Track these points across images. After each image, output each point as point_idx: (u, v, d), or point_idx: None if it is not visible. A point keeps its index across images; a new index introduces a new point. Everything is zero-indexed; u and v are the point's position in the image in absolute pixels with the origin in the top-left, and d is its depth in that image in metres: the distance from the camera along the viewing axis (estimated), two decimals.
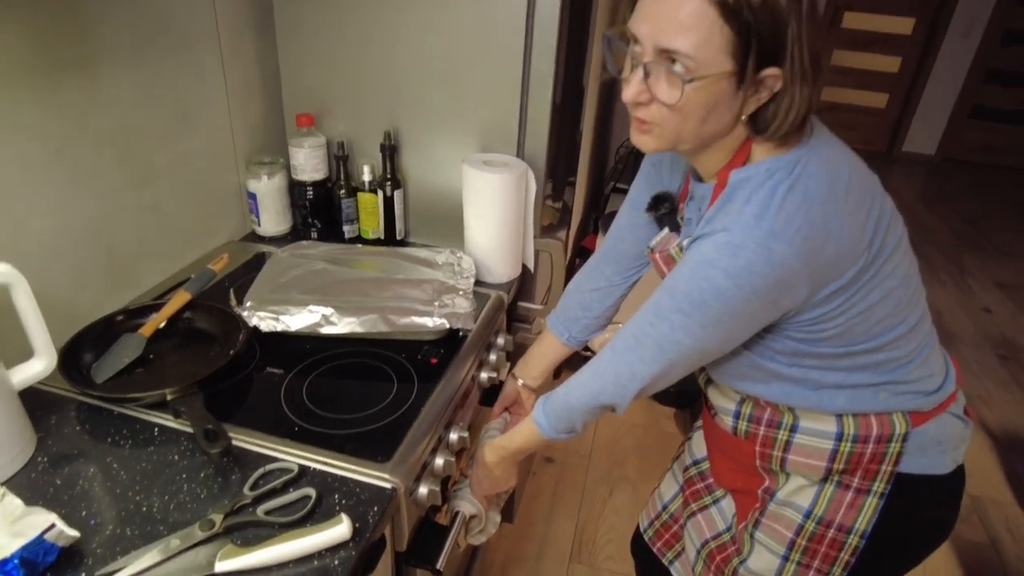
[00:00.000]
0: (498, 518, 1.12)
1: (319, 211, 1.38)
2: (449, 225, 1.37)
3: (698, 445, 1.09)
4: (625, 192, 1.05)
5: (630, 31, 0.70)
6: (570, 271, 1.52)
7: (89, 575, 0.67)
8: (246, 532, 0.74)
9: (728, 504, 1.00)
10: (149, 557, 0.69)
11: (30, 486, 0.78)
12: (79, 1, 0.94)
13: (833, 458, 0.84)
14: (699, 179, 0.82)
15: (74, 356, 0.93)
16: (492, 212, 1.23)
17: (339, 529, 0.71)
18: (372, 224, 1.37)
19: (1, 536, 0.65)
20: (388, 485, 0.81)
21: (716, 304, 0.71)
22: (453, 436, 0.99)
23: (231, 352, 0.95)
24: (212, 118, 1.25)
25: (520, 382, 1.16)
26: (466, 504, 1.03)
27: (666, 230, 0.88)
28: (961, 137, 5.23)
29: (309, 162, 1.33)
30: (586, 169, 1.80)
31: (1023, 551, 1.95)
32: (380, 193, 1.33)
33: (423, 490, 0.89)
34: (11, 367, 0.82)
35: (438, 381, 1.00)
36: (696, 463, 1.08)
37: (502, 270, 1.29)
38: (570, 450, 2.20)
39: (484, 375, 1.15)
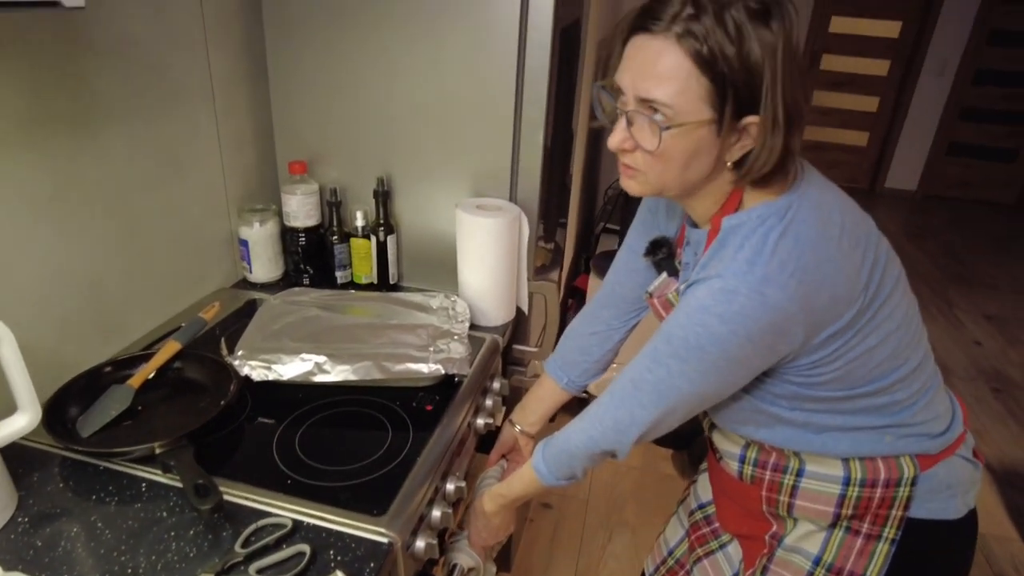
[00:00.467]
0: (494, 568, 1.09)
1: (311, 257, 1.37)
2: (443, 269, 1.37)
3: (703, 489, 1.07)
4: (614, 232, 1.06)
5: (616, 82, 0.73)
6: (563, 312, 1.52)
7: None
8: None
9: (735, 550, 0.98)
10: None
11: (9, 548, 0.74)
12: (74, 55, 0.95)
13: (841, 503, 0.83)
14: (694, 224, 0.83)
15: (59, 410, 0.90)
16: (486, 256, 1.23)
17: None
18: (365, 269, 1.37)
19: None
20: (384, 539, 0.78)
21: (712, 349, 0.71)
22: (450, 486, 0.96)
23: (222, 403, 0.93)
24: (204, 167, 1.25)
25: (518, 428, 1.14)
26: (464, 556, 1.00)
27: (664, 275, 0.88)
28: (940, 173, 5.35)
29: (302, 209, 1.33)
30: (576, 210, 1.82)
31: None
32: (373, 238, 1.33)
33: (420, 543, 0.86)
34: None
35: (434, 429, 0.98)
36: (702, 507, 1.06)
37: (496, 313, 1.29)
38: (568, 495, 2.16)
39: (480, 421, 1.13)
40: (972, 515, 0.86)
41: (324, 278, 1.39)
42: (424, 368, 1.03)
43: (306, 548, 0.75)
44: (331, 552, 0.76)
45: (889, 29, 5.02)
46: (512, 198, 1.29)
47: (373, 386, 1.04)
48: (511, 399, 1.25)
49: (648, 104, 0.69)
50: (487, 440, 1.17)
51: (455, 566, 0.99)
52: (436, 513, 0.91)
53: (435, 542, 0.88)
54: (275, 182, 1.42)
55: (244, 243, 1.34)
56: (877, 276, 0.74)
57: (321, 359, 1.02)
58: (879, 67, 5.14)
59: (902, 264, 0.79)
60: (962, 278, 4.03)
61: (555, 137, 1.32)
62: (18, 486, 0.82)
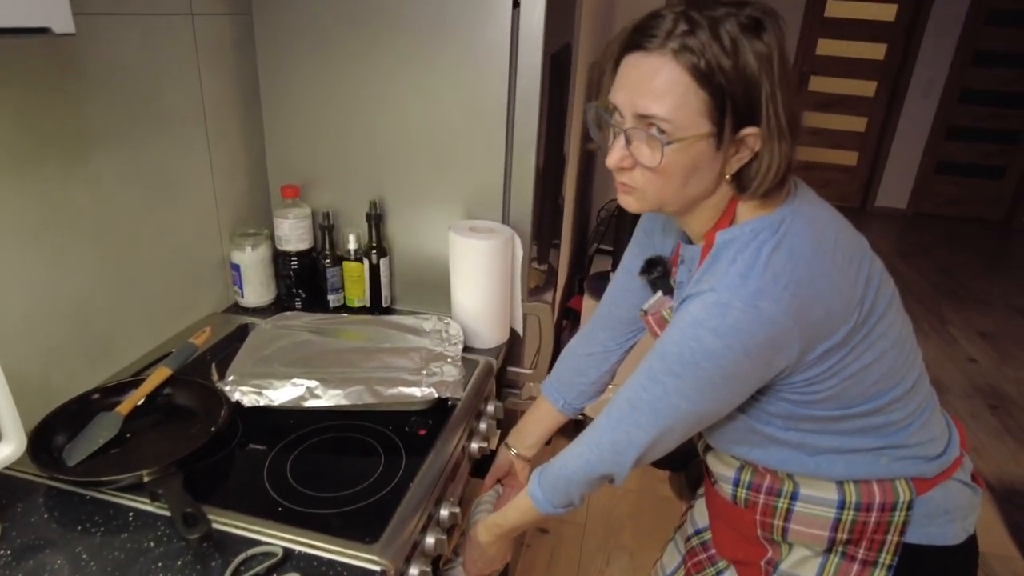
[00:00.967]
0: None
1: (304, 281, 1.37)
2: (436, 292, 1.36)
3: (700, 514, 1.05)
4: (608, 253, 1.06)
5: (611, 102, 0.73)
6: (558, 333, 1.51)
7: None
8: None
9: None
10: None
11: None
12: (65, 81, 0.95)
13: (836, 527, 0.82)
14: (689, 241, 0.83)
15: (45, 438, 0.89)
16: (479, 277, 1.22)
17: None
18: (357, 292, 1.36)
19: None
20: (377, 568, 0.77)
21: (707, 365, 0.70)
22: (444, 512, 0.95)
23: (212, 429, 0.91)
24: (196, 192, 1.25)
25: (514, 452, 1.13)
26: None
27: (659, 293, 0.88)
28: (930, 191, 5.41)
29: (294, 232, 1.32)
30: (570, 231, 1.83)
31: None
32: (366, 261, 1.33)
33: (414, 571, 0.84)
34: None
35: (427, 454, 0.97)
36: (698, 533, 1.04)
37: (490, 335, 1.28)
38: (565, 520, 2.13)
39: (475, 445, 1.12)
40: (972, 541, 0.85)
41: (316, 302, 1.38)
42: (417, 392, 1.02)
43: None
44: None
45: (875, 51, 5.10)
46: (505, 220, 1.29)
47: (365, 411, 1.03)
48: (505, 422, 1.24)
49: (647, 120, 0.69)
50: (482, 465, 1.16)
51: None
52: (430, 540, 0.90)
53: (429, 570, 0.87)
54: (267, 206, 1.42)
55: (236, 267, 1.33)
56: (872, 293, 0.74)
57: (313, 384, 1.01)
58: (866, 88, 5.22)
59: (895, 283, 0.79)
60: (955, 295, 4.05)
61: (547, 159, 1.32)
62: (1, 517, 0.80)
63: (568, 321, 2.27)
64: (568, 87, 1.42)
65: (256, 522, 0.82)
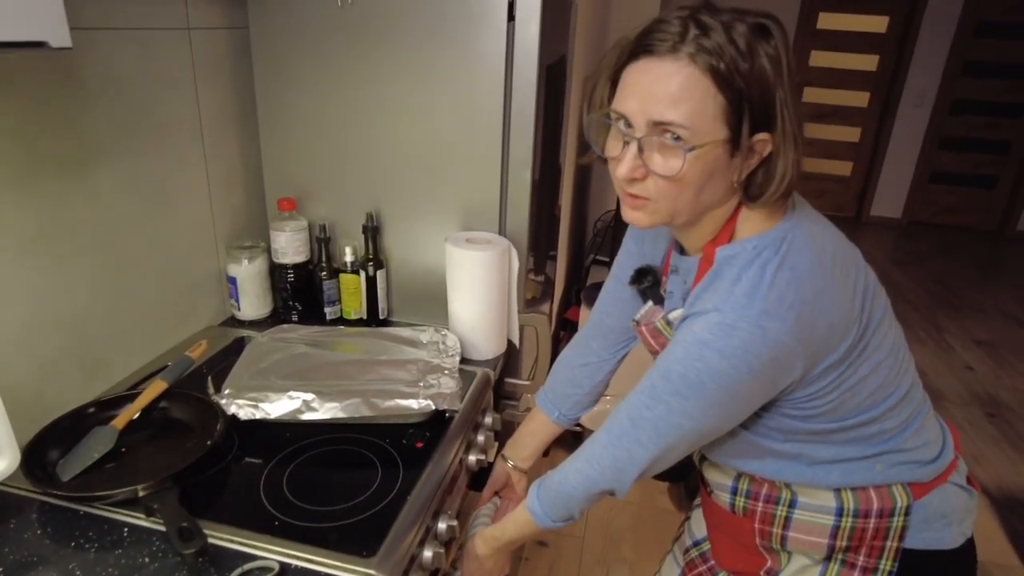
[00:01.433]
0: None
1: (300, 293, 1.37)
2: (433, 303, 1.36)
3: (698, 525, 1.05)
4: (605, 263, 1.06)
5: (615, 110, 0.70)
6: (555, 344, 1.51)
7: None
8: None
9: None
10: None
11: None
12: (62, 94, 0.95)
13: (835, 535, 0.81)
14: (681, 251, 0.83)
15: (38, 453, 0.88)
16: (476, 289, 1.22)
17: None
18: (354, 305, 1.36)
19: None
20: None
21: (713, 386, 0.69)
22: (442, 525, 0.94)
23: (208, 443, 0.91)
24: (192, 204, 1.25)
25: (510, 463, 1.12)
26: None
27: (650, 303, 0.88)
28: (924, 200, 5.44)
29: (291, 245, 1.32)
30: (566, 242, 1.83)
31: None
32: (362, 273, 1.33)
33: None
34: None
35: (424, 466, 0.96)
36: (697, 544, 1.03)
37: (487, 347, 1.28)
38: (564, 533, 2.11)
39: (472, 457, 1.11)
40: (970, 544, 0.85)
41: (313, 314, 1.38)
42: (414, 404, 1.02)
43: None
44: None
45: (867, 63, 5.15)
46: (501, 231, 1.30)
47: (362, 423, 1.03)
48: (503, 434, 1.23)
49: (662, 127, 0.66)
50: (479, 477, 1.15)
51: None
52: (428, 553, 0.89)
53: None
54: (263, 219, 1.42)
55: (232, 280, 1.33)
56: (868, 304, 0.74)
57: (309, 397, 1.01)
58: (859, 99, 5.26)
59: (888, 292, 0.79)
60: (950, 303, 4.06)
61: (543, 171, 1.33)
62: None
63: (565, 332, 2.27)
64: (564, 99, 1.43)
65: (252, 536, 0.81)
